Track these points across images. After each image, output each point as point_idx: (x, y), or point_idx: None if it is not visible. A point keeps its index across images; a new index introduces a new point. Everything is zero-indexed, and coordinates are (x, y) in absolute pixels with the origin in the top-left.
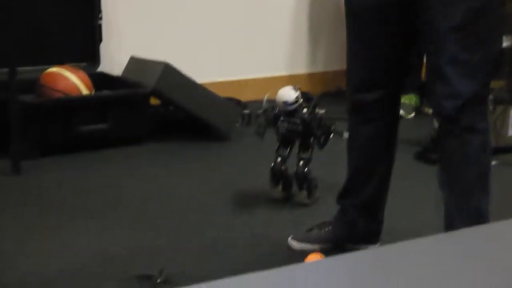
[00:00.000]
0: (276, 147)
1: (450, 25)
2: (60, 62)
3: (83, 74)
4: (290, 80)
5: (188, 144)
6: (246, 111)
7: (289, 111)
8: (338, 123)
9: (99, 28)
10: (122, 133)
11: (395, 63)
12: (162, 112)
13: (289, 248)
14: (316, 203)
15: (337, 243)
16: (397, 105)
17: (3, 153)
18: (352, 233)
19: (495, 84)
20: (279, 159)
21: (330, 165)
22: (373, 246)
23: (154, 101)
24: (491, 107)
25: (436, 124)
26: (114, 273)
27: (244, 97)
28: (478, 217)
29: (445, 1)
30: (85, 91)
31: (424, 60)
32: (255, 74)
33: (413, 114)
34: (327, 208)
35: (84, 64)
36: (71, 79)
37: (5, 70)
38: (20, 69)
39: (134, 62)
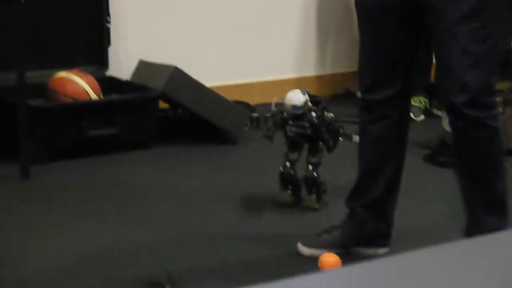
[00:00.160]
0: (285, 151)
1: (459, 16)
2: (68, 66)
3: (91, 78)
4: (298, 82)
5: (197, 147)
6: (255, 114)
7: (298, 115)
8: (347, 126)
9: (107, 32)
10: (130, 137)
11: (403, 62)
12: (170, 115)
13: (298, 253)
14: (326, 207)
15: (347, 247)
16: (406, 105)
17: (12, 157)
18: (361, 235)
19: (504, 85)
20: (288, 163)
21: (339, 169)
22: (383, 249)
23: (162, 104)
24: (500, 109)
25: (445, 124)
26: (119, 274)
27: (253, 100)
28: (495, 201)
29: None
30: (93, 95)
31: (434, 60)
32: (263, 77)
33: (422, 116)
34: (336, 212)
35: (92, 68)
36: (80, 84)
37: (14, 74)
38: (28, 73)
39: (143, 66)
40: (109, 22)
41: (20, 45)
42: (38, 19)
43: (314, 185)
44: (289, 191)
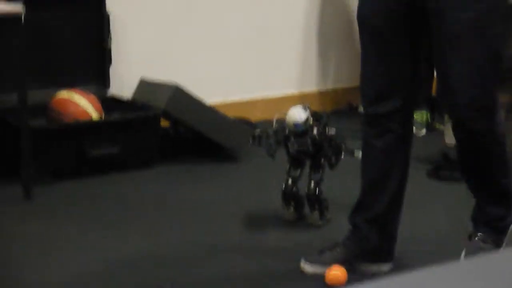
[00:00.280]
0: (287, 168)
1: (459, 26)
2: (70, 86)
3: (92, 97)
4: (300, 98)
5: (199, 165)
6: (257, 131)
7: (299, 132)
8: (350, 141)
9: (108, 51)
10: (132, 156)
11: (407, 75)
12: (172, 133)
13: (301, 270)
14: (328, 224)
15: (350, 263)
16: (410, 119)
17: (14, 178)
18: (364, 251)
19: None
20: (290, 180)
21: (342, 185)
22: (387, 265)
23: (164, 122)
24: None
25: (447, 138)
26: None
27: (255, 117)
28: (500, 195)
29: (455, 5)
30: (95, 115)
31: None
32: (265, 94)
33: (424, 131)
34: (339, 229)
35: (94, 87)
36: (81, 104)
37: (15, 95)
38: (30, 93)
39: (144, 85)
40: (110, 41)
41: (22, 65)
42: (39, 39)
43: (317, 202)
44: (291, 208)
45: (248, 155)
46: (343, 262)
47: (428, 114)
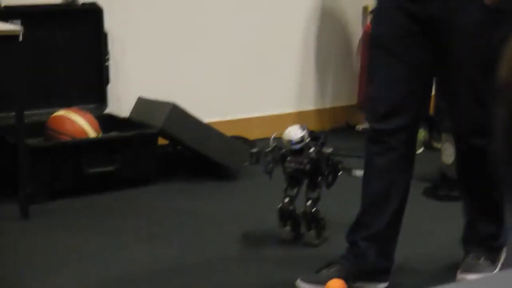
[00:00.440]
0: (284, 187)
1: (468, 53)
2: (67, 105)
3: (90, 116)
4: (298, 116)
5: (197, 183)
6: (255, 150)
7: (296, 150)
8: (347, 160)
9: (106, 69)
10: (130, 174)
11: (417, 93)
12: (170, 151)
13: None
14: (325, 243)
15: (347, 281)
16: (414, 138)
17: (12, 197)
18: (361, 269)
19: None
20: (287, 199)
21: (339, 204)
22: (383, 284)
23: (162, 140)
24: None
25: (444, 157)
26: None
27: (252, 135)
28: (492, 211)
29: (468, 32)
30: (92, 133)
31: (433, 93)
32: (263, 112)
33: (421, 149)
34: (336, 248)
35: (91, 106)
36: (78, 122)
37: (13, 113)
38: (28, 111)
39: (142, 103)
40: (108, 60)
41: (19, 84)
42: (38, 57)
43: (313, 220)
44: (288, 227)
45: (246, 173)
46: (341, 279)
47: (426, 133)
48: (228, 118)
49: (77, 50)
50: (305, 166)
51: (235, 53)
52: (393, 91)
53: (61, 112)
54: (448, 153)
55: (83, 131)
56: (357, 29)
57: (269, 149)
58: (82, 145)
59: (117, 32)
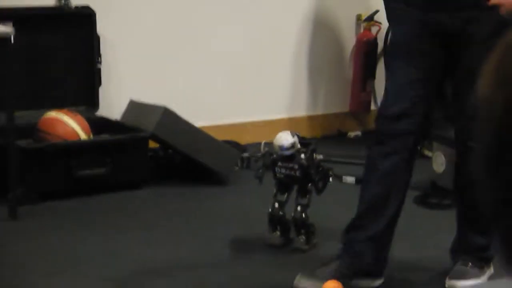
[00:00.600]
0: (274, 192)
1: (480, 63)
2: (59, 106)
3: (81, 118)
4: (290, 122)
5: (187, 187)
6: (245, 155)
7: (287, 156)
8: (338, 167)
9: (98, 72)
10: (121, 177)
11: (429, 97)
12: (161, 155)
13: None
14: (314, 249)
15: (344, 279)
16: (418, 144)
17: (1, 198)
18: (358, 268)
19: None
20: (276, 204)
21: (328, 210)
22: (379, 280)
23: (152, 143)
24: None
25: (435, 165)
26: None
27: (244, 140)
28: (482, 222)
29: (482, 42)
30: (83, 135)
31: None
32: (254, 117)
33: None
34: (325, 254)
35: (83, 108)
36: (69, 124)
37: (3, 114)
38: (18, 113)
39: (133, 106)
40: (100, 62)
41: (10, 85)
42: (29, 59)
43: (303, 226)
44: (277, 232)
45: (237, 178)
46: (337, 277)
47: None
48: (220, 122)
49: (69, 53)
50: (295, 172)
51: (228, 58)
52: (405, 94)
53: (52, 114)
54: (439, 162)
55: (74, 133)
56: (350, 36)
57: (260, 154)
58: (73, 147)
59: (110, 35)
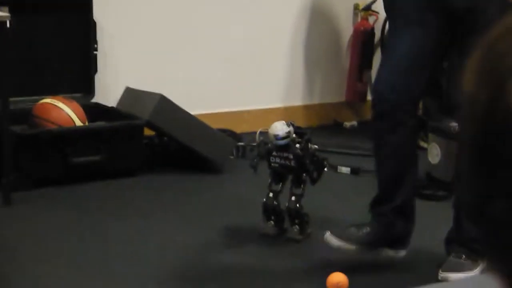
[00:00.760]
0: (268, 182)
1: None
2: (54, 93)
3: (76, 105)
4: (286, 112)
5: (182, 176)
6: (241, 143)
7: (281, 146)
8: (333, 157)
9: (94, 59)
10: (116, 164)
11: (431, 68)
12: (156, 143)
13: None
14: (308, 239)
15: (374, 246)
16: (417, 112)
17: None
18: (389, 236)
19: None
20: (271, 194)
21: (323, 200)
22: (403, 252)
23: (148, 131)
24: None
25: (430, 157)
26: None
27: (239, 129)
28: None
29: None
30: (78, 122)
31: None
32: (250, 106)
33: None
34: (319, 244)
35: (78, 95)
36: (65, 110)
37: None
38: (13, 99)
39: (129, 93)
40: (96, 49)
41: (5, 71)
42: (25, 45)
43: (297, 216)
44: (272, 222)
45: (232, 167)
46: (367, 244)
47: None
48: (216, 111)
49: (65, 39)
50: (290, 162)
51: (224, 46)
52: (413, 63)
53: (47, 100)
54: (434, 153)
55: (69, 120)
56: (347, 26)
57: (255, 143)
58: (68, 134)
59: (106, 21)
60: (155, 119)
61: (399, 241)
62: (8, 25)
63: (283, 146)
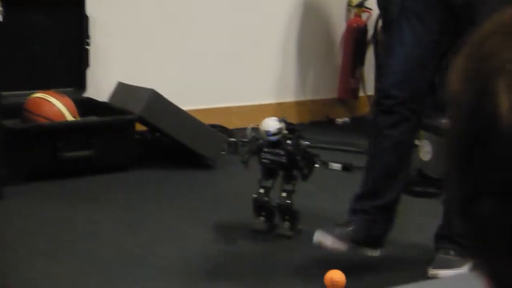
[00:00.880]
0: (259, 178)
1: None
2: (46, 87)
3: (67, 99)
4: (278, 108)
5: (174, 171)
6: (233, 139)
7: (273, 142)
8: (324, 154)
9: (86, 53)
10: (107, 159)
11: (435, 63)
12: (148, 138)
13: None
14: (298, 235)
15: (353, 245)
16: (422, 109)
17: None
18: (369, 235)
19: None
20: (262, 190)
21: (314, 196)
22: (380, 251)
23: (140, 126)
24: None
25: (422, 154)
26: None
27: (231, 124)
28: None
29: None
30: (70, 117)
31: None
32: (242, 102)
33: None
34: (309, 240)
35: (70, 89)
36: (56, 105)
37: None
38: (5, 93)
39: (121, 88)
40: (88, 43)
41: None
42: (17, 39)
43: (288, 212)
44: (262, 218)
45: (224, 163)
46: (349, 241)
47: None
48: (208, 106)
49: (57, 33)
50: (281, 158)
51: (217, 41)
52: (416, 57)
53: (39, 94)
54: (425, 150)
55: (61, 114)
56: (340, 22)
57: (246, 139)
58: (59, 129)
59: (99, 16)
60: (147, 114)
61: (376, 239)
62: (0, 19)
63: (274, 142)
